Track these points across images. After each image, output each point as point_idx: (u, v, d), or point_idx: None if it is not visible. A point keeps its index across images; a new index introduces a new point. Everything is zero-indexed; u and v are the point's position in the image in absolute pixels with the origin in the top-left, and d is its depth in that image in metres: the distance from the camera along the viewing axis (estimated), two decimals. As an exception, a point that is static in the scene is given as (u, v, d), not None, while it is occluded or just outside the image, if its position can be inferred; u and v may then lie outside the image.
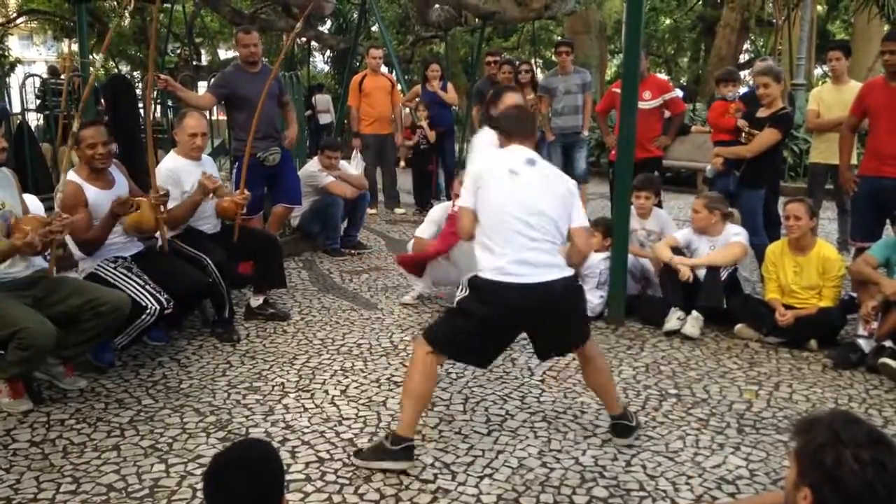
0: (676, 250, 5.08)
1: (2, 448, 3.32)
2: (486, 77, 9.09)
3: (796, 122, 8.51)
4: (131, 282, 4.15)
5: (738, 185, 5.63)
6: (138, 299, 4.05)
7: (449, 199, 6.06)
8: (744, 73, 14.17)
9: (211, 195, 4.71)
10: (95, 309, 3.73)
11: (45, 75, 10.54)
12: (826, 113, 6.39)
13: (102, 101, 7.28)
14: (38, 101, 9.80)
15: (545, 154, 8.41)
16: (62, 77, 8.81)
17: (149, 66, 4.85)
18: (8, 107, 8.71)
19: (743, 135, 5.68)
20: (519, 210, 3.13)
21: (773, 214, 5.94)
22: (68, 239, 4.04)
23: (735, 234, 5.03)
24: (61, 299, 3.72)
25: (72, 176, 4.12)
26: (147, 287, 4.16)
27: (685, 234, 5.26)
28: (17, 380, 3.64)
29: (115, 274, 4.19)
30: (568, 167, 8.10)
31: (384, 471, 3.10)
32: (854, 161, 5.67)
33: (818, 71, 20.78)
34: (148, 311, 4.07)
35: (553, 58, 8.41)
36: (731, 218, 5.17)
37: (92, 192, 4.17)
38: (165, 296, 4.17)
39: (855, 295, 4.70)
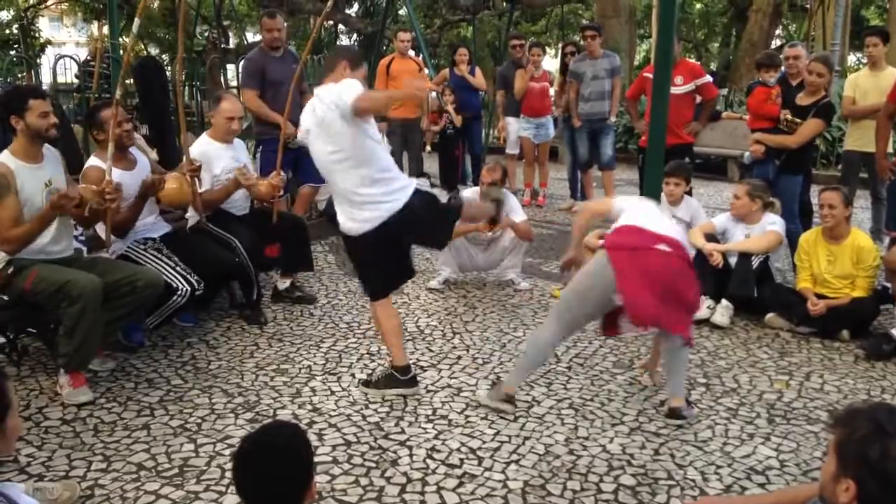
0: (711, 237, 5.02)
1: (34, 425, 3.37)
2: (511, 61, 9.02)
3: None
4: (162, 263, 4.19)
5: (779, 172, 5.53)
6: (169, 280, 4.08)
7: (476, 184, 6.02)
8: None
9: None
10: (132, 284, 3.74)
11: (85, 57, 10.59)
12: (862, 99, 6.27)
13: (133, 82, 7.33)
14: (77, 82, 9.90)
15: (568, 139, 8.39)
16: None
17: (178, 49, 4.87)
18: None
19: (784, 123, 5.57)
20: None
21: (805, 202, 5.84)
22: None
23: (771, 223, 4.95)
24: (99, 275, 3.74)
25: (95, 161, 4.14)
26: (177, 268, 4.19)
27: (722, 220, 5.17)
28: (78, 370, 3.63)
29: (145, 256, 4.23)
30: (594, 153, 8.03)
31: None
32: (889, 149, 5.57)
33: (851, 58, 20.41)
34: (179, 292, 4.11)
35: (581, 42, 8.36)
36: (772, 207, 5.08)
37: (117, 173, 4.17)
38: (196, 277, 4.20)
39: (889, 285, 4.62)
